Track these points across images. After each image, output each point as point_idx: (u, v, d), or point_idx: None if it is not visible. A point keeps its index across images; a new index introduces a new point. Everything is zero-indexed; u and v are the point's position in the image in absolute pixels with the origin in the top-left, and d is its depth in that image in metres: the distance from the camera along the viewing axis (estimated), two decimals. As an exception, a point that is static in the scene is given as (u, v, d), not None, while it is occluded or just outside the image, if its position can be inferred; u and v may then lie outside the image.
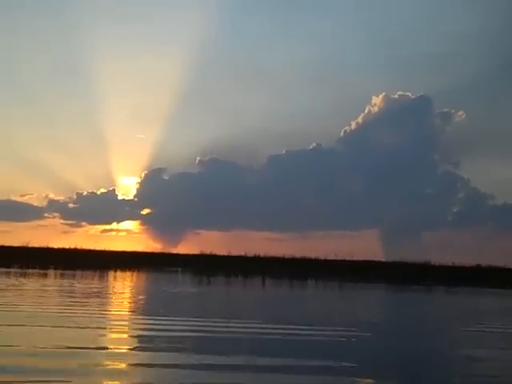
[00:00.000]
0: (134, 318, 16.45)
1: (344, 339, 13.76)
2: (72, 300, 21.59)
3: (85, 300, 21.66)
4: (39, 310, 17.19)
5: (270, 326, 15.54)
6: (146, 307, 20.53)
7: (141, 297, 25.45)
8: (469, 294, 45.21)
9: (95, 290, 27.69)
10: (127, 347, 11.64)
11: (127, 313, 18.28)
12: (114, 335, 13.29)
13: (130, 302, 22.30)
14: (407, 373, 10.15)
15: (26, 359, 9.59)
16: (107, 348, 11.32)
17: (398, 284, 52.95)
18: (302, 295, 35.51)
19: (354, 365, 10.33)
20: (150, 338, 12.50)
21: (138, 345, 12.02)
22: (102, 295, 24.77)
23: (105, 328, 14.04)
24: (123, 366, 9.52)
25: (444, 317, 22.98)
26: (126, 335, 13.45)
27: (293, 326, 15.58)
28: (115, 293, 26.90)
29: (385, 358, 11.63)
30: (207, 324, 15.31)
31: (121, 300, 23.34)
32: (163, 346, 11.53)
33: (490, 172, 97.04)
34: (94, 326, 14.00)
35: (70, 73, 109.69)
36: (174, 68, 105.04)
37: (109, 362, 9.49)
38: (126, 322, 15.50)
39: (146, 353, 10.75)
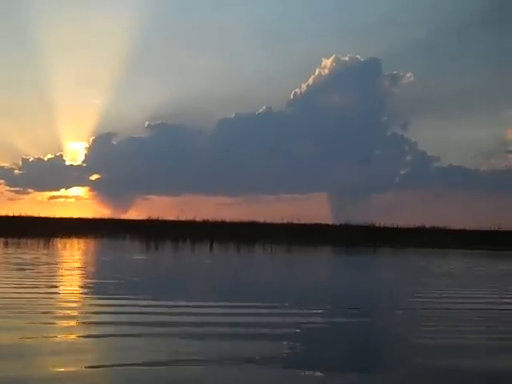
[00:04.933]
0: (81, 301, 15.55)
1: (327, 327, 11.69)
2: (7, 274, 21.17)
3: (20, 273, 21.25)
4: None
5: (220, 306, 14.08)
6: (91, 283, 18.96)
7: (83, 269, 24.99)
8: (412, 255, 46.38)
9: (35, 260, 27.22)
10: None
11: (68, 293, 16.88)
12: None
13: (70, 277, 21.67)
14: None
15: None
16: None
17: (345, 246, 53.88)
18: (251, 261, 35.75)
19: None
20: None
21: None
22: (44, 267, 24.28)
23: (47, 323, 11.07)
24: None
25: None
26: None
27: (253, 310, 13.47)
28: (57, 263, 26.45)
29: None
30: (153, 310, 13.22)
31: (62, 274, 22.41)
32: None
33: (436, 134, 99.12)
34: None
35: (14, 38, 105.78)
36: (119, 31, 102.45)
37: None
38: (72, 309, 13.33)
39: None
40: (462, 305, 15.94)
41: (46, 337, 9.80)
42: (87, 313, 12.73)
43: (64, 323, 11.28)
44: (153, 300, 14.92)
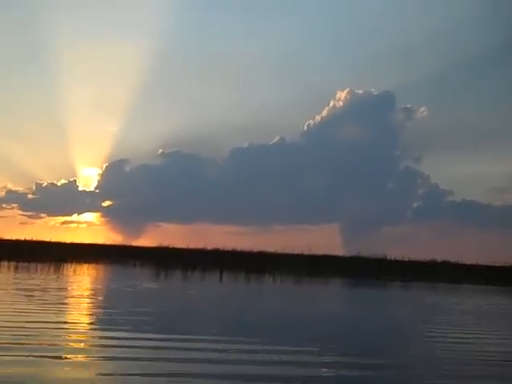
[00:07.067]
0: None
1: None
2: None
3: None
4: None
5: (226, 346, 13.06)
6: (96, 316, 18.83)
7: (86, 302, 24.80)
8: (423, 289, 45.88)
9: (44, 287, 27.16)
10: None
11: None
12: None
13: (79, 307, 21.34)
14: None
15: None
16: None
17: (355, 279, 53.41)
18: (261, 293, 35.49)
19: None
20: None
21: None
22: (52, 295, 24.19)
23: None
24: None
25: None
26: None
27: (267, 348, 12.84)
28: (66, 291, 26.39)
29: None
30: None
31: (70, 303, 22.20)
32: None
33: (449, 168, 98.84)
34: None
35: (30, 62, 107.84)
36: (136, 59, 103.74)
37: None
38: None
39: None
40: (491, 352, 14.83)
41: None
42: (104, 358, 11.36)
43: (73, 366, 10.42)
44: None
